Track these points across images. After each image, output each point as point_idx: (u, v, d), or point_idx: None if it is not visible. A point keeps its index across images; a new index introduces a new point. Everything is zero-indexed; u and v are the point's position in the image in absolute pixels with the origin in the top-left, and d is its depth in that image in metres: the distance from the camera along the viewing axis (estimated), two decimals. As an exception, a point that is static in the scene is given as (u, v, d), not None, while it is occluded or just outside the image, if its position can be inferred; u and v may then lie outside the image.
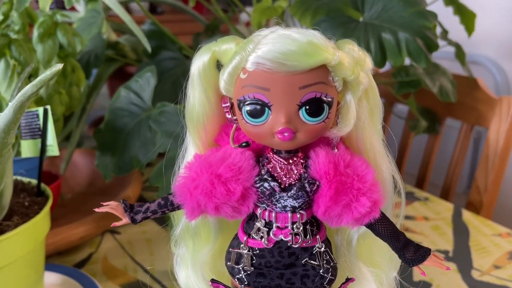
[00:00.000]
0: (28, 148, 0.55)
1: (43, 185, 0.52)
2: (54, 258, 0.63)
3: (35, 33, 0.64)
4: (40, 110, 0.53)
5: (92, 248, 0.66)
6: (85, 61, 0.77)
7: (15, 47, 0.59)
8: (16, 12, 0.57)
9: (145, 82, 0.60)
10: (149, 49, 0.64)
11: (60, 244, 0.61)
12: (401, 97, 0.89)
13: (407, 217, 0.75)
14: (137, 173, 0.75)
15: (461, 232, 0.71)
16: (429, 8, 0.73)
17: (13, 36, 0.61)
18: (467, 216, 0.76)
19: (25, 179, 0.54)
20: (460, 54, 0.87)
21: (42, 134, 0.53)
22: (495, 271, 0.60)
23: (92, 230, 0.63)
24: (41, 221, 0.46)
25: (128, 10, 1.75)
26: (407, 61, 0.66)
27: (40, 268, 0.50)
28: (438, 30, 0.86)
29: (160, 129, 0.54)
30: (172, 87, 0.72)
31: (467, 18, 0.87)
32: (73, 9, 0.98)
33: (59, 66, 0.28)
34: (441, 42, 0.81)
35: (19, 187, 0.52)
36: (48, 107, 0.52)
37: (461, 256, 0.64)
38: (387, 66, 0.96)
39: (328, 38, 0.29)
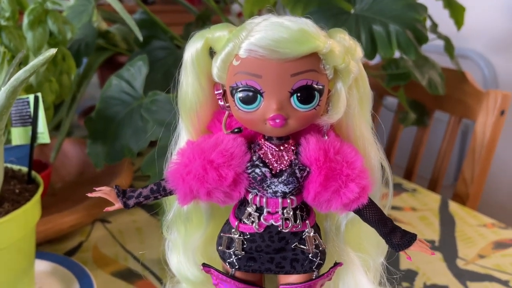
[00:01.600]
0: (18, 136, 0.55)
1: (33, 173, 0.52)
2: (45, 246, 0.63)
3: (25, 20, 0.63)
4: (31, 97, 0.52)
5: (82, 237, 0.66)
6: (76, 50, 0.77)
7: (5, 34, 0.59)
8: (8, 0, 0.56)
9: (136, 71, 0.60)
10: (140, 38, 0.64)
11: (51, 232, 0.61)
12: (391, 90, 0.90)
13: (395, 208, 0.76)
14: (127, 163, 0.75)
15: (447, 222, 0.72)
16: (419, 1, 0.74)
17: (3, 23, 0.60)
18: (454, 207, 0.77)
19: (16, 167, 0.54)
20: (449, 47, 0.89)
21: (33, 122, 0.52)
22: (480, 260, 0.61)
23: (83, 219, 0.63)
24: (32, 208, 0.46)
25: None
26: (397, 54, 0.67)
27: (30, 255, 0.50)
28: (428, 23, 0.87)
29: (152, 118, 0.54)
30: (164, 76, 0.72)
31: (456, 12, 0.88)
32: (62, -3, 0.97)
33: (52, 51, 0.28)
34: (430, 36, 0.82)
35: (9, 175, 0.52)
36: (39, 94, 0.52)
37: (447, 245, 0.65)
38: (378, 59, 0.97)
39: (320, 27, 0.30)
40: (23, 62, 0.66)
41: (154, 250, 0.63)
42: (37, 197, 0.48)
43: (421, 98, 1.00)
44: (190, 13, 1.06)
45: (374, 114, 0.35)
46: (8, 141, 0.59)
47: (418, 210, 0.76)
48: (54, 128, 0.88)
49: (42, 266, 0.56)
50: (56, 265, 0.56)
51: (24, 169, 0.53)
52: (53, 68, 0.68)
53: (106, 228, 0.69)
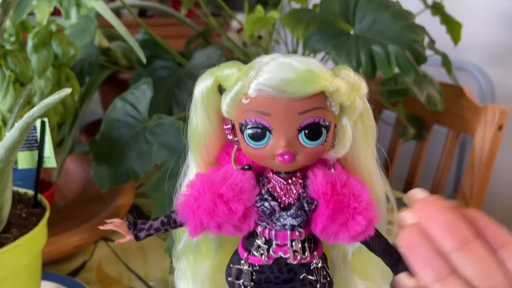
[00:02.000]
0: (25, 160, 0.55)
1: (39, 196, 0.53)
2: (48, 267, 0.63)
3: (30, 43, 0.64)
4: (38, 122, 0.53)
5: (86, 256, 0.66)
6: (79, 69, 0.78)
7: (11, 58, 0.60)
8: (13, 24, 0.57)
9: (141, 94, 0.61)
10: (144, 60, 0.64)
11: (55, 254, 0.61)
12: (390, 105, 0.91)
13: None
14: (130, 181, 0.75)
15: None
16: (417, 17, 0.75)
17: (8, 47, 0.61)
18: (454, 222, 0.78)
19: (21, 190, 0.54)
20: (446, 63, 0.90)
21: (40, 146, 0.53)
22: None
23: (87, 239, 0.64)
24: (39, 233, 0.47)
25: (118, 14, 1.74)
26: (396, 69, 0.68)
27: (37, 278, 0.50)
28: (426, 39, 0.88)
29: (157, 141, 0.54)
30: (166, 96, 0.73)
31: (453, 28, 0.90)
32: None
33: (67, 90, 0.29)
34: (428, 52, 0.83)
35: (16, 198, 0.53)
36: (46, 119, 0.52)
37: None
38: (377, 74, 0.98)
39: (325, 66, 0.31)
40: (27, 83, 0.66)
41: (158, 269, 0.63)
42: (44, 222, 0.48)
43: (420, 112, 1.02)
44: (187, 27, 1.07)
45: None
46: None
47: (419, 226, 0.76)
48: (56, 146, 0.88)
49: (46, 287, 0.56)
50: (60, 285, 0.57)
51: (30, 192, 0.54)
52: (57, 89, 0.69)
53: (109, 247, 0.69)
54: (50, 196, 0.69)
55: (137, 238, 0.35)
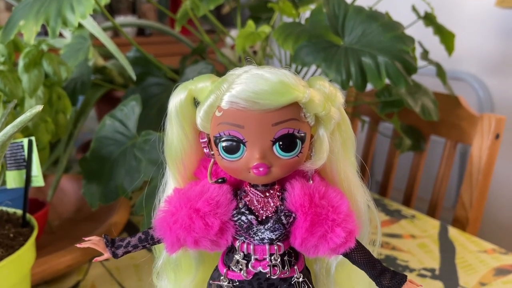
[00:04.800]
0: (13, 179, 0.55)
1: (28, 216, 0.52)
2: (41, 287, 0.62)
3: (21, 63, 0.65)
4: (25, 141, 0.53)
5: (79, 276, 0.66)
6: (72, 88, 0.78)
7: (1, 78, 0.60)
8: (2, 44, 0.57)
9: (129, 111, 0.61)
10: (133, 77, 0.65)
11: (47, 273, 0.60)
12: (385, 117, 0.90)
13: (394, 236, 0.76)
14: (124, 199, 0.75)
15: (447, 249, 0.71)
16: (410, 28, 0.75)
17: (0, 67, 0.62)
18: (453, 233, 0.77)
19: (10, 210, 0.54)
20: (441, 73, 0.89)
21: (27, 165, 0.53)
22: (481, 289, 0.61)
23: (80, 258, 0.63)
24: (26, 253, 0.46)
25: (116, 33, 1.76)
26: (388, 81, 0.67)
27: (26, 299, 0.50)
28: (419, 50, 0.88)
29: (145, 157, 0.54)
30: (158, 112, 0.73)
31: (446, 38, 0.90)
32: (60, 35, 0.99)
33: (39, 108, 0.29)
34: (422, 62, 0.83)
35: (4, 218, 0.52)
36: (33, 138, 0.52)
37: (447, 274, 0.64)
38: (371, 86, 0.98)
39: (298, 76, 0.30)
40: (20, 105, 0.67)
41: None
42: (31, 242, 0.48)
43: (417, 123, 1.01)
44: (184, 44, 1.08)
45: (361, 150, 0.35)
46: (3, 183, 0.59)
47: (418, 237, 0.75)
48: (51, 165, 0.88)
49: (38, 308, 0.55)
50: (52, 306, 0.56)
51: (19, 212, 0.53)
52: (49, 108, 0.69)
53: (104, 266, 0.68)
54: (43, 215, 0.69)
55: (114, 255, 0.34)
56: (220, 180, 0.33)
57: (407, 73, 0.65)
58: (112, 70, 0.98)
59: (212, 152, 0.33)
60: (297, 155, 0.31)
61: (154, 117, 0.72)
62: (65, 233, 0.75)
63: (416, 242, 0.74)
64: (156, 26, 1.11)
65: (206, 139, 0.33)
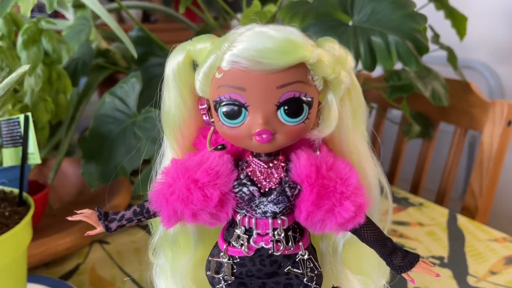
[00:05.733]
0: (9, 157, 0.54)
1: (25, 194, 0.51)
2: (40, 270, 0.61)
3: (20, 39, 0.63)
4: (21, 117, 0.51)
5: (80, 259, 0.64)
6: (73, 69, 0.76)
7: (-2, 54, 0.58)
8: (4, 22, 0.56)
9: (130, 88, 0.59)
10: (135, 55, 0.63)
11: (46, 255, 0.59)
12: (394, 102, 0.88)
13: (402, 223, 0.74)
14: (126, 181, 0.73)
15: (456, 237, 0.69)
16: (420, 11, 0.72)
17: (-2, 43, 0.60)
18: (462, 221, 0.74)
19: (7, 189, 0.52)
20: (452, 58, 0.87)
21: (23, 142, 0.51)
22: (491, 277, 0.58)
23: (79, 241, 0.62)
24: (21, 231, 0.45)
25: (121, 18, 1.74)
26: (399, 65, 0.65)
27: (21, 279, 0.48)
28: (430, 34, 0.85)
29: (145, 135, 0.52)
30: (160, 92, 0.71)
31: (458, 22, 0.87)
32: (62, 16, 0.97)
33: (25, 67, 0.27)
34: (433, 46, 0.80)
35: (0, 197, 0.51)
36: (29, 114, 0.51)
37: (456, 262, 0.62)
38: (380, 71, 0.95)
39: (308, 36, 0.28)
40: (20, 84, 0.65)
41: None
42: (27, 220, 0.46)
43: (426, 110, 0.98)
44: (191, 31, 1.06)
45: (372, 131, 0.33)
46: (0, 163, 0.57)
47: (426, 225, 0.73)
48: (53, 148, 0.87)
49: (35, 290, 0.54)
50: (51, 289, 0.55)
51: (16, 191, 0.52)
52: (49, 87, 0.67)
53: (104, 249, 0.67)
54: (43, 197, 0.68)
55: (108, 229, 0.32)
56: (219, 147, 0.31)
57: (418, 53, 0.62)
58: (116, 53, 0.96)
59: (212, 120, 0.30)
60: (303, 122, 0.29)
61: (156, 97, 0.70)
62: (66, 216, 0.74)
63: (424, 230, 0.72)
64: (160, 9, 1.09)
65: (206, 106, 0.30)
